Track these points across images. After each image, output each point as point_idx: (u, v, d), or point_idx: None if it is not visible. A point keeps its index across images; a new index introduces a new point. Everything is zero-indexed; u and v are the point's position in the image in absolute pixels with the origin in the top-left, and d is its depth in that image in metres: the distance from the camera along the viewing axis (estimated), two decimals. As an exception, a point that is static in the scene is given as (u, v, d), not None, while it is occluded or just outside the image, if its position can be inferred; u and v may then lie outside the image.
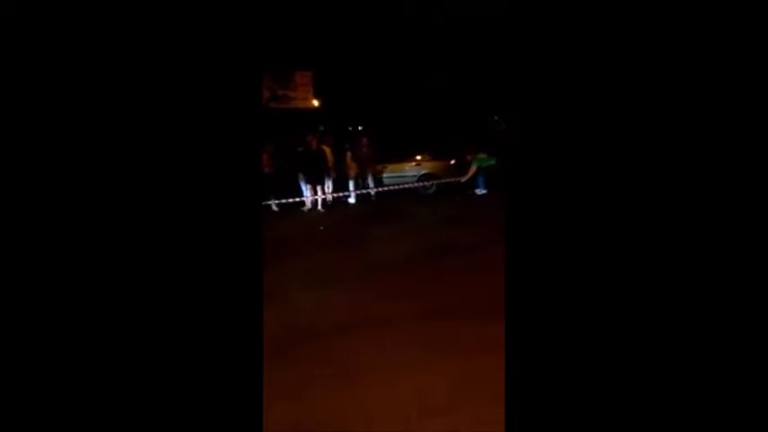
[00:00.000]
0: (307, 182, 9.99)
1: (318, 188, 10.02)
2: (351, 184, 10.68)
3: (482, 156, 10.47)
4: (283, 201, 9.67)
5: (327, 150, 10.29)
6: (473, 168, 10.49)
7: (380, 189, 10.68)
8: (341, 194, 10.46)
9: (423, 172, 11.24)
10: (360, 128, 11.40)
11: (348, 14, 11.59)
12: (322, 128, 11.83)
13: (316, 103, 12.76)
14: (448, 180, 10.82)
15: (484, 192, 10.36)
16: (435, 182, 10.86)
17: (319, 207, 9.95)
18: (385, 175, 11.20)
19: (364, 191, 10.65)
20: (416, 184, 10.97)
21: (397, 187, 10.75)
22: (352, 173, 10.71)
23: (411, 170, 11.34)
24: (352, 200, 10.52)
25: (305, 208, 9.95)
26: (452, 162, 11.22)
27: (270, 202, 9.65)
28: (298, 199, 9.91)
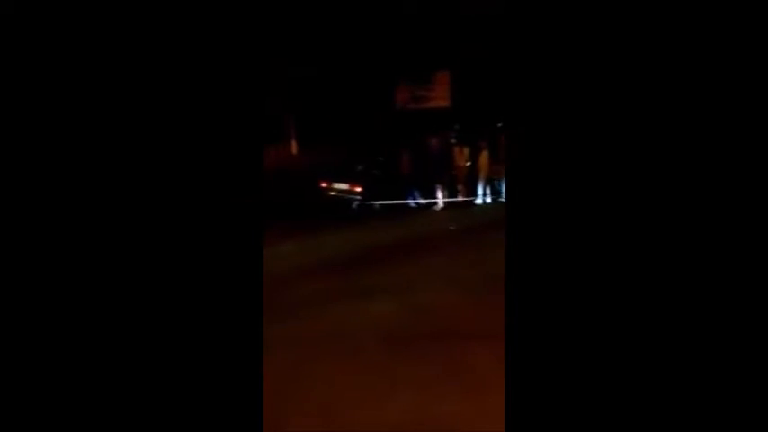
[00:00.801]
0: (437, 182, 10.04)
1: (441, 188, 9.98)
2: (479, 186, 10.40)
3: None
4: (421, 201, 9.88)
5: (460, 152, 10.17)
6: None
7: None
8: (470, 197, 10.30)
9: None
10: (499, 125, 11.05)
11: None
12: (457, 126, 11.80)
13: (451, 102, 12.77)
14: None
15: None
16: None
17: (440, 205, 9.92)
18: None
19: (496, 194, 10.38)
20: None
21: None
22: (483, 173, 10.41)
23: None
24: (479, 201, 10.29)
25: (436, 207, 10.05)
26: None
27: (408, 201, 10.00)
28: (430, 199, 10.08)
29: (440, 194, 10.09)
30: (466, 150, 10.31)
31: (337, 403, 2.84)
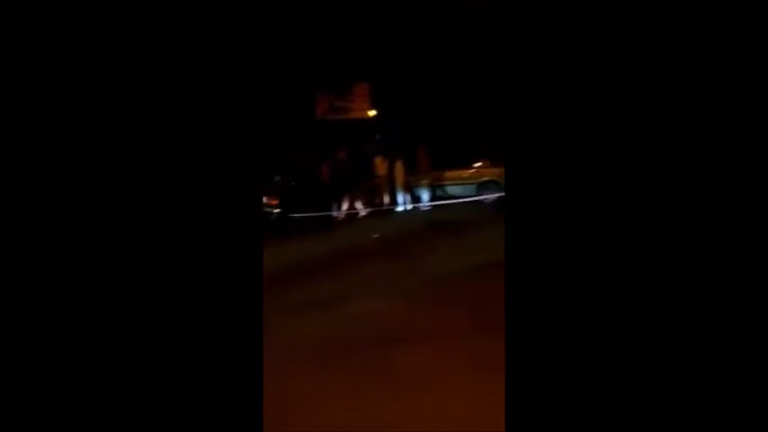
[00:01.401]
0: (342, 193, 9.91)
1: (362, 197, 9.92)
2: (399, 195, 10.46)
3: None
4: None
5: (380, 162, 10.23)
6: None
7: (436, 200, 10.40)
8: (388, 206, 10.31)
9: (483, 180, 10.75)
10: (418, 137, 11.19)
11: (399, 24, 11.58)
12: (378, 137, 11.79)
13: (373, 113, 12.84)
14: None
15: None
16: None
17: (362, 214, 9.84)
18: (439, 184, 10.84)
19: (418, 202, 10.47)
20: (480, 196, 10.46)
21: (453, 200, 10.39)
22: (400, 182, 10.47)
23: (468, 178, 10.88)
24: (400, 208, 10.34)
25: (358, 216, 9.92)
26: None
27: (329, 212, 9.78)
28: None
29: (360, 204, 10.00)
30: (385, 160, 10.37)
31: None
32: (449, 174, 10.89)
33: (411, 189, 10.59)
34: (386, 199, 10.41)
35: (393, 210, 10.26)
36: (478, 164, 10.89)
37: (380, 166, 10.36)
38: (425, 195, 10.58)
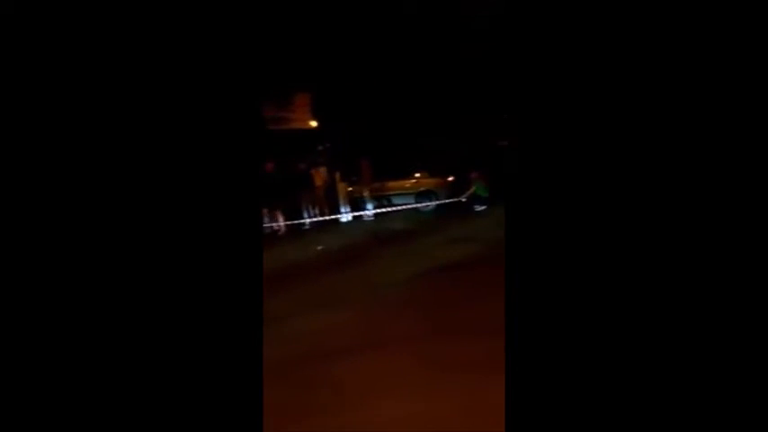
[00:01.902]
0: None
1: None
2: (341, 206, 10.54)
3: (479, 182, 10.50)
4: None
5: (317, 173, 10.12)
6: (473, 187, 10.49)
7: (379, 210, 10.63)
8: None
9: (421, 189, 11.25)
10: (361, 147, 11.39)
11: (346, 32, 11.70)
12: (321, 147, 11.88)
13: (314, 123, 12.84)
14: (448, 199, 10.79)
15: (483, 207, 10.33)
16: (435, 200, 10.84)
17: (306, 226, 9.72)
18: (383, 193, 11.19)
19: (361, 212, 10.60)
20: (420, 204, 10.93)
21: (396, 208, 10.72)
22: (342, 194, 10.55)
23: (409, 188, 11.35)
24: (343, 219, 10.43)
25: (303, 227, 9.91)
26: (450, 179, 11.21)
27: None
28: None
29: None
30: (324, 172, 10.37)
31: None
32: (391, 184, 11.28)
33: (353, 199, 10.73)
34: (325, 210, 10.30)
35: (336, 220, 10.35)
36: (418, 174, 11.38)
37: (318, 176, 10.31)
38: (368, 205, 10.80)
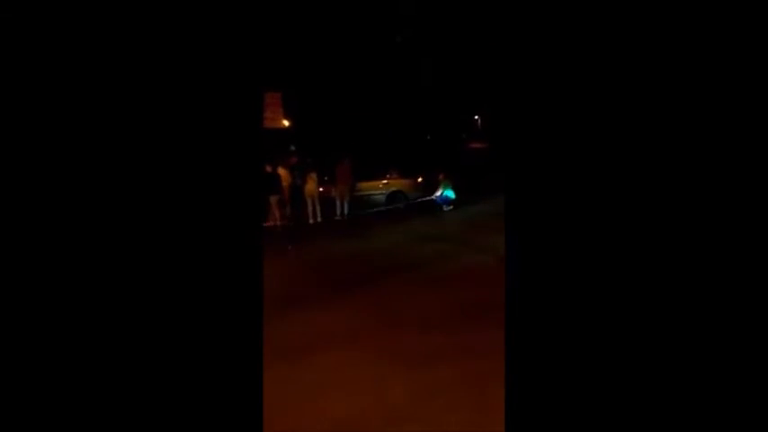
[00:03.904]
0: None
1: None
2: (309, 203, 10.49)
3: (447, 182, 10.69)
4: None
5: (282, 172, 9.96)
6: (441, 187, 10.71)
7: (352, 210, 10.70)
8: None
9: (391, 190, 11.45)
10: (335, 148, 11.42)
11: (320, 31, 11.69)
12: (293, 148, 11.88)
13: (286, 123, 12.78)
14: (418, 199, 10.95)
15: (450, 208, 10.55)
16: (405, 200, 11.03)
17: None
18: (355, 194, 11.30)
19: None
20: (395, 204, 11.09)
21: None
22: (313, 194, 10.49)
23: (380, 189, 11.53)
24: (311, 220, 10.39)
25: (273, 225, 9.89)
26: (419, 180, 11.42)
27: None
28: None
29: (277, 213, 9.89)
30: (290, 171, 10.22)
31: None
32: (363, 184, 11.40)
33: (324, 199, 10.75)
34: (290, 210, 10.15)
35: (306, 221, 10.33)
36: (389, 175, 11.57)
37: (285, 177, 10.07)
38: (339, 205, 10.86)
